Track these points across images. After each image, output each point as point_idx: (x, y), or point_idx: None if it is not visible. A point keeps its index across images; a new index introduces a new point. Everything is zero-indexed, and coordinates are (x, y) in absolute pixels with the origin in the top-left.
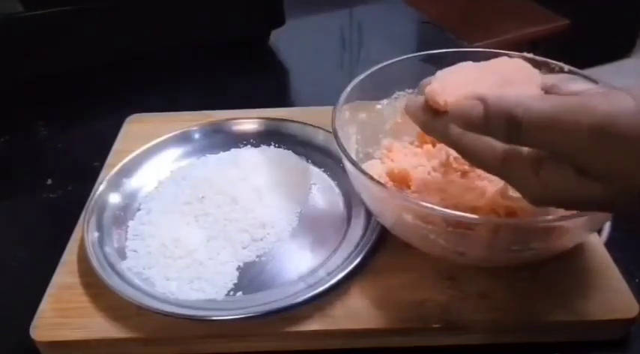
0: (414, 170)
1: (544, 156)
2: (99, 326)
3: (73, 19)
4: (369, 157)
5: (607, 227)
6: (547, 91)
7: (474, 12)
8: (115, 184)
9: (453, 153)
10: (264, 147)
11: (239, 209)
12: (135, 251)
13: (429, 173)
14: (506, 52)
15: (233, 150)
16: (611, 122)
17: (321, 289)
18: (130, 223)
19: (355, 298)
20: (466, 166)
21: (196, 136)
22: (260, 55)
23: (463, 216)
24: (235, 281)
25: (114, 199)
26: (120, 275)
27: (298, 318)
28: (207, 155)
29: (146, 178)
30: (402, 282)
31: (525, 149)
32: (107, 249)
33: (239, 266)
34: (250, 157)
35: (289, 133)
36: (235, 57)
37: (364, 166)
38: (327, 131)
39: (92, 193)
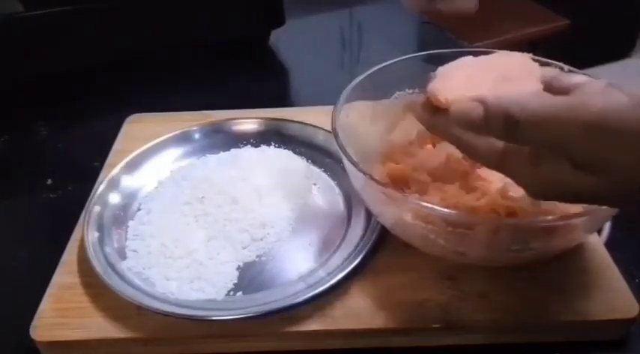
0: (414, 170)
1: (542, 150)
2: (99, 326)
3: (73, 19)
4: (369, 157)
5: (607, 227)
6: (547, 84)
7: (474, 12)
8: (115, 184)
9: (453, 153)
10: (264, 147)
11: (239, 209)
12: (135, 251)
13: (429, 173)
14: (507, 51)
15: (233, 150)
16: (606, 117)
17: (321, 289)
18: (130, 223)
19: (355, 298)
20: (466, 167)
21: (196, 136)
22: (260, 55)
23: (463, 216)
24: (235, 281)
25: (114, 199)
26: (120, 275)
27: (298, 318)
28: (207, 155)
29: (146, 178)
30: (402, 282)
31: None
32: (107, 249)
33: (239, 266)
34: (250, 157)
35: (289, 133)
36: (235, 57)
37: (364, 167)
38: (327, 131)
39: (92, 193)
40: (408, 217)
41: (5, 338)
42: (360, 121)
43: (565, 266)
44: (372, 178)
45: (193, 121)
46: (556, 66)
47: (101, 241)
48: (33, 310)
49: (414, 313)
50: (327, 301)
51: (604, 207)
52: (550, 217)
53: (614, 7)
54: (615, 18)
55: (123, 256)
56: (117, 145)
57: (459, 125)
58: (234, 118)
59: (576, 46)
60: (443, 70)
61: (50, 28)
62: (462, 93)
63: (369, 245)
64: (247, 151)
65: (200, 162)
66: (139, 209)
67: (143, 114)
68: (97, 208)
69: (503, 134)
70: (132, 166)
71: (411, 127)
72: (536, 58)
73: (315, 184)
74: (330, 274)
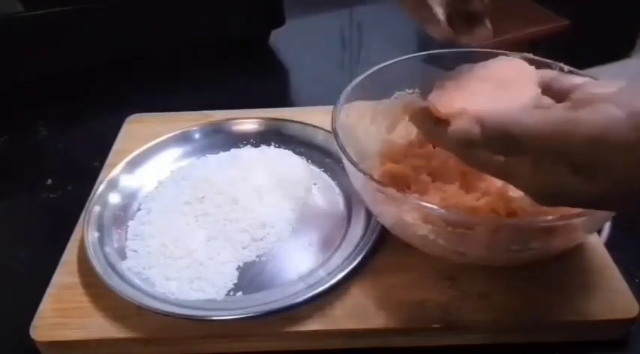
0: (414, 170)
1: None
2: (99, 326)
3: (73, 19)
4: (369, 157)
5: (607, 227)
6: (546, 86)
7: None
8: (115, 184)
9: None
10: (264, 147)
11: (239, 209)
12: (135, 251)
13: (429, 173)
14: (506, 52)
15: (233, 150)
16: (605, 133)
17: (321, 289)
18: (130, 223)
19: (355, 298)
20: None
21: (196, 136)
22: (260, 55)
23: (463, 216)
24: (235, 281)
25: (114, 199)
26: (120, 275)
27: (298, 318)
28: (207, 155)
29: (146, 178)
30: (402, 282)
31: None
32: (107, 249)
33: (239, 266)
34: (250, 157)
35: (289, 133)
36: (235, 57)
37: (364, 166)
38: (327, 131)
39: (92, 193)
40: (408, 217)
41: (5, 338)
42: (360, 121)
43: (565, 266)
44: (372, 178)
45: (193, 121)
46: (556, 66)
47: (101, 241)
48: (33, 310)
49: (414, 313)
50: (327, 301)
51: None
52: (550, 217)
53: (614, 7)
54: (615, 18)
55: (123, 256)
56: (117, 145)
57: (458, 145)
58: (234, 118)
59: (576, 46)
60: (441, 82)
61: (50, 28)
62: (462, 104)
63: (369, 245)
64: (247, 151)
65: (200, 162)
66: (139, 209)
67: (143, 114)
68: (97, 208)
69: (503, 152)
70: (132, 166)
71: (411, 127)
72: (537, 58)
73: (315, 184)
74: (330, 274)
